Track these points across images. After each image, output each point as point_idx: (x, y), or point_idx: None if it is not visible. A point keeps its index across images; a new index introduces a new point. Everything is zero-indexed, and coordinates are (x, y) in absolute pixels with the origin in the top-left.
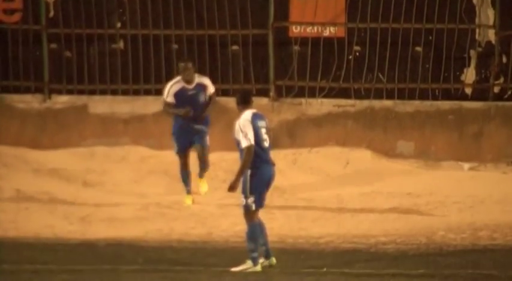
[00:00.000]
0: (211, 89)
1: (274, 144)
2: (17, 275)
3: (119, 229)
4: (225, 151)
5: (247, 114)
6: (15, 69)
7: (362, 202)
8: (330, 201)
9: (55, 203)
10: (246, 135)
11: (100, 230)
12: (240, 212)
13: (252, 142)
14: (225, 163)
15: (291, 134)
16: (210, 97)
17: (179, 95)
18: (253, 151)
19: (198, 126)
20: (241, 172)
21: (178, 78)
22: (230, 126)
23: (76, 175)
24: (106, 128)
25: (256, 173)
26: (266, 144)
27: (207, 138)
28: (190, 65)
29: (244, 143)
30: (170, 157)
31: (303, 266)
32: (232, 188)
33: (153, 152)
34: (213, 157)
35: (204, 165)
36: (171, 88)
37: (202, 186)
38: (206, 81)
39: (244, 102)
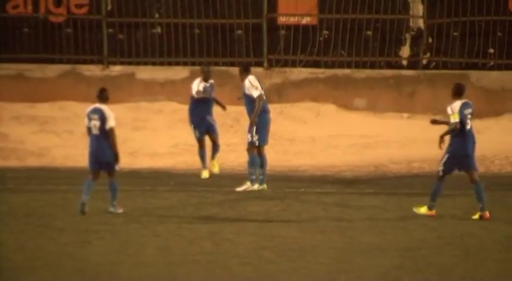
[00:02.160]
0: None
1: (267, 100)
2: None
3: (157, 160)
4: (232, 106)
5: (253, 76)
6: (83, 47)
7: (329, 141)
8: (306, 141)
9: None
10: (257, 88)
11: (144, 162)
12: (242, 148)
13: (262, 92)
14: (232, 113)
15: (278, 93)
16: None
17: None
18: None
19: (211, 120)
20: (256, 114)
21: (199, 78)
22: (235, 88)
23: (126, 122)
24: (148, 89)
25: (260, 119)
26: (264, 97)
27: (216, 126)
28: (210, 68)
29: (256, 93)
30: None
31: (287, 187)
32: (252, 125)
33: (181, 106)
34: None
35: (216, 147)
36: (200, 84)
37: (214, 166)
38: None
39: (246, 71)
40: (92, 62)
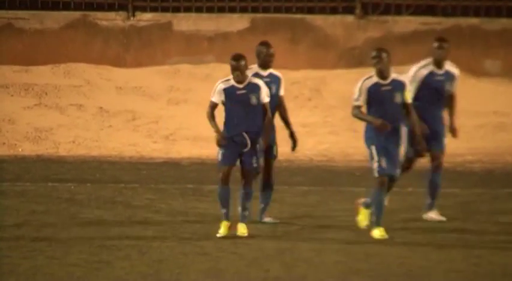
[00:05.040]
0: None
1: (361, 63)
2: (100, 193)
3: (202, 147)
4: (310, 69)
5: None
6: None
7: (448, 121)
8: None
9: (139, 121)
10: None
11: (184, 149)
12: (322, 130)
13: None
14: (310, 81)
15: None
16: None
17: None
18: None
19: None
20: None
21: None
22: (316, 44)
23: (160, 93)
24: (190, 46)
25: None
26: None
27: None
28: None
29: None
30: None
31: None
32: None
33: None
34: (298, 75)
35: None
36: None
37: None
38: None
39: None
40: (111, 7)
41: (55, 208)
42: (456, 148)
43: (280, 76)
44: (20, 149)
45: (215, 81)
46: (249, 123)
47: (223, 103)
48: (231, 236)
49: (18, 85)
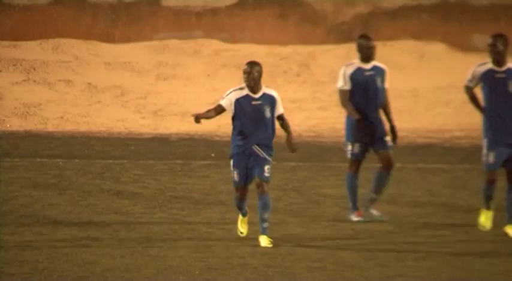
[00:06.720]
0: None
1: (349, 38)
2: (89, 169)
3: (191, 123)
4: (299, 44)
5: None
6: None
7: (437, 96)
8: (404, 95)
9: (127, 97)
10: None
11: (172, 124)
12: (311, 105)
13: None
14: (298, 56)
15: (365, 28)
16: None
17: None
18: None
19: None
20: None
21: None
22: (304, 19)
23: (148, 68)
24: (179, 22)
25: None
26: None
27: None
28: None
29: None
30: (243, 51)
31: (376, 161)
32: None
33: (226, 46)
34: (286, 50)
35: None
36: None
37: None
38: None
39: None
40: None
41: (43, 183)
42: (444, 124)
43: (385, 68)
44: (8, 125)
45: (203, 56)
46: (260, 137)
47: (233, 115)
48: (219, 212)
49: (7, 60)
